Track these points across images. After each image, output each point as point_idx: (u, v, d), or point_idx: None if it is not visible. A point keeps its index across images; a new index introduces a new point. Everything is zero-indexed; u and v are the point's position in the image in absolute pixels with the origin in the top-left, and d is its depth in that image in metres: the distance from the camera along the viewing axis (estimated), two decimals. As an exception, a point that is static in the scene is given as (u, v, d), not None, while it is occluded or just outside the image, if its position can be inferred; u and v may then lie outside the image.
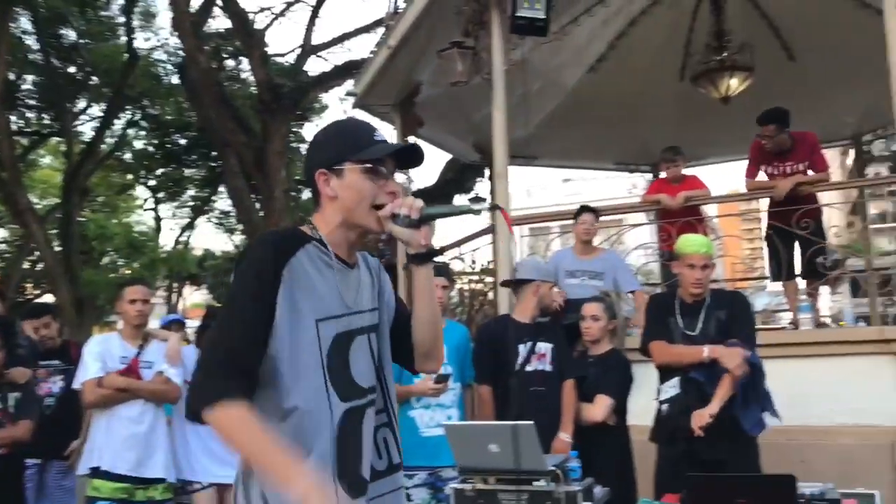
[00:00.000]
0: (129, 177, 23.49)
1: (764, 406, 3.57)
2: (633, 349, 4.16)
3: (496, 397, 4.11)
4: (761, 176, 5.92)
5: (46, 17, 16.52)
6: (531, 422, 3.15)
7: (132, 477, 4.02)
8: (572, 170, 15.11)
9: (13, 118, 17.51)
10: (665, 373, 3.74)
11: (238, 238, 24.96)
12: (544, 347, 4.16)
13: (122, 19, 17.71)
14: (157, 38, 20.38)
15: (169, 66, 18.78)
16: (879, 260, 8.52)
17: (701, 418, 3.41)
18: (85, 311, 17.64)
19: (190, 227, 25.76)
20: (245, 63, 16.84)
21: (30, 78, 18.36)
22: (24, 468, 4.59)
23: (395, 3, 7.05)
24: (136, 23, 18.01)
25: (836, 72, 7.55)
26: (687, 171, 6.51)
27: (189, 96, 15.44)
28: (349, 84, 13.99)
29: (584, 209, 5.48)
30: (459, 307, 6.96)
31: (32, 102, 18.82)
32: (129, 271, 22.63)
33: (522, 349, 4.12)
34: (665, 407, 3.68)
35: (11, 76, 16.57)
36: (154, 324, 4.83)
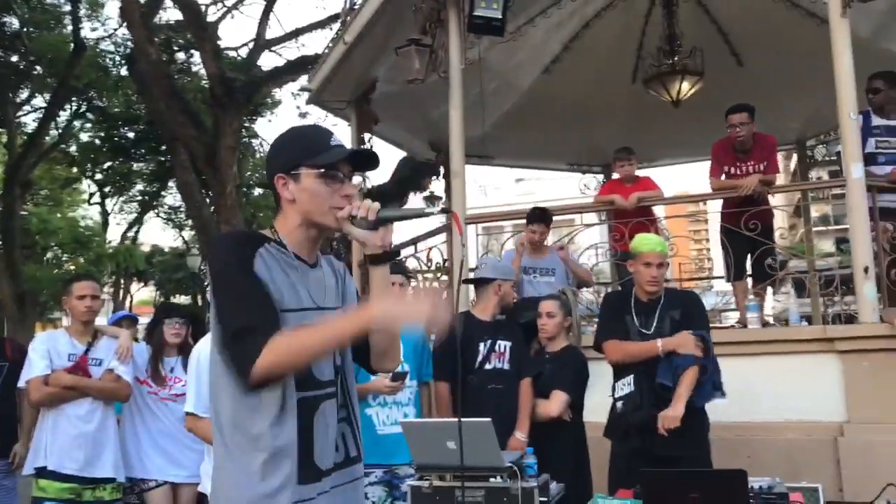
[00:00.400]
0: (75, 170, 22.92)
1: (714, 381, 3.65)
2: (589, 346, 4.22)
3: (452, 394, 4.12)
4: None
5: (-12, 3, 16.03)
6: (489, 419, 3.17)
7: (80, 477, 3.93)
8: (526, 170, 15.20)
9: (-49, 107, 16.94)
10: (619, 370, 3.81)
11: (188, 234, 24.58)
12: (503, 346, 4.19)
13: (67, 8, 17.26)
14: (105, 28, 19.92)
15: (117, 58, 18.39)
16: (821, 261, 8.79)
17: (668, 420, 3.45)
18: (27, 307, 17.15)
19: (138, 222, 25.27)
20: (196, 56, 16.57)
21: (-31, 67, 17.80)
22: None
23: (352, -2, 7.01)
24: (82, 12, 17.59)
25: (782, 78, 7.76)
26: (640, 173, 6.61)
27: (138, 89, 15.16)
28: (303, 80, 13.87)
29: (537, 218, 5.43)
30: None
31: (-28, 92, 18.23)
32: (74, 267, 22.06)
33: (482, 347, 4.14)
34: (619, 404, 3.75)
35: (-50, 64, 16.04)
36: (101, 320, 4.71)
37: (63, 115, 19.37)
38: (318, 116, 18.14)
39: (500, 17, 5.58)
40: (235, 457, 1.76)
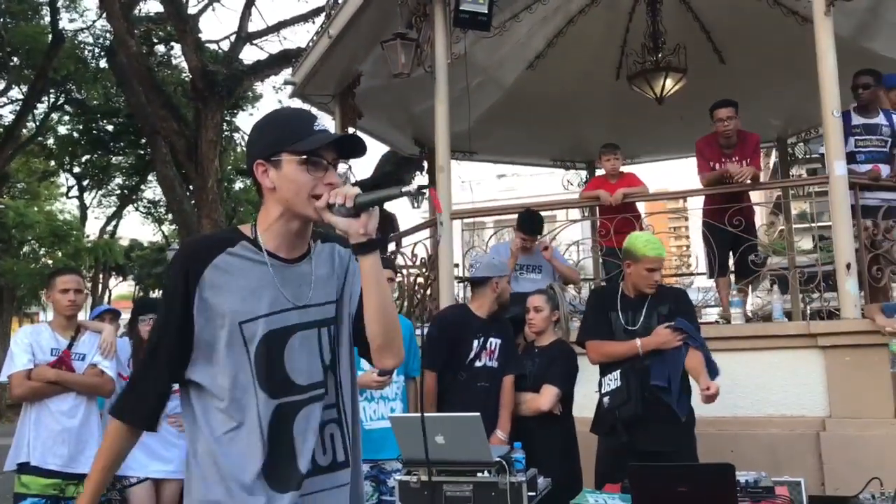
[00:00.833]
0: (52, 163, 22.64)
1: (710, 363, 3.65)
2: (575, 342, 4.24)
3: (440, 389, 4.12)
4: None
5: (-37, -7, 15.78)
6: (477, 413, 3.17)
7: (64, 472, 3.88)
8: (509, 165, 15.21)
9: (-74, 99, 16.66)
10: (606, 366, 3.82)
11: (168, 228, 24.37)
12: (494, 343, 4.19)
13: (45, -2, 17.03)
14: (83, 19, 19.71)
15: (96, 50, 18.15)
16: (801, 258, 8.87)
17: (712, 398, 3.46)
18: (4, 302, 16.93)
19: (117, 216, 25.01)
20: (177, 49, 16.41)
21: (-56, 57, 17.53)
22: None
23: (337, -8, 6.96)
24: (60, 2, 17.34)
25: (764, 76, 7.82)
26: (624, 169, 6.64)
27: (117, 81, 15.01)
28: (285, 73, 13.83)
29: (527, 229, 5.44)
30: (398, 301, 6.95)
31: (-53, 83, 17.97)
32: (52, 261, 21.78)
33: (475, 344, 4.13)
34: (606, 399, 3.76)
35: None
36: (81, 315, 4.65)
37: (41, 108, 19.13)
38: (300, 110, 18.01)
39: (486, 11, 5.58)
40: (196, 464, 1.78)
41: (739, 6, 7.36)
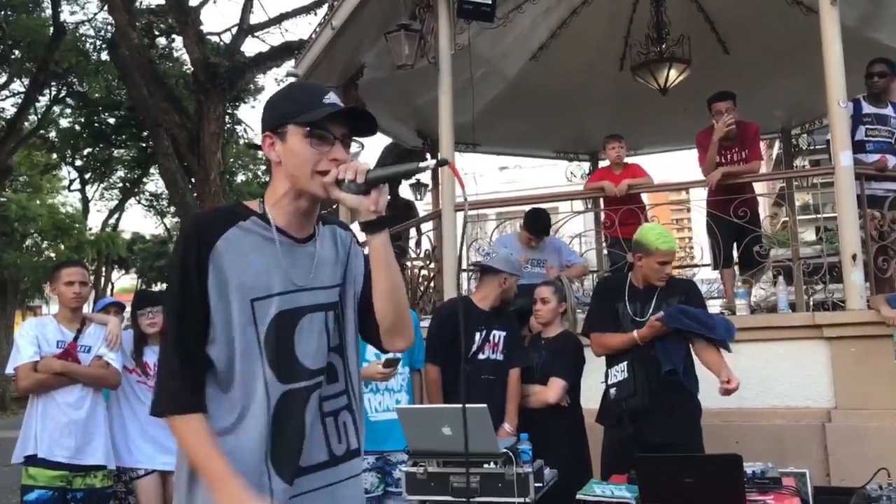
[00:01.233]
0: (54, 156, 22.64)
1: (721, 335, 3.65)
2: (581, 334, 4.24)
3: (445, 381, 4.11)
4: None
5: (-36, -15, 15.75)
6: (485, 405, 3.17)
7: (70, 464, 3.89)
8: (512, 157, 15.20)
9: (-72, 92, 16.65)
10: (612, 357, 3.82)
11: (170, 221, 24.39)
12: (498, 335, 4.16)
13: (46, -9, 16.99)
14: (85, 11, 19.59)
15: (97, 42, 18.12)
16: (805, 249, 8.86)
17: (732, 392, 3.47)
18: (7, 295, 16.95)
19: (119, 209, 25.02)
20: (179, 41, 16.39)
21: (-55, 49, 17.51)
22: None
23: (340, -17, 6.93)
24: (62, -5, 17.28)
25: (768, 66, 7.79)
26: (628, 160, 6.63)
27: (119, 74, 14.96)
28: (287, 65, 13.79)
29: (535, 230, 5.48)
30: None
31: (-52, 76, 17.95)
32: (55, 254, 21.81)
33: (478, 336, 4.11)
34: (613, 390, 3.75)
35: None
36: (85, 308, 4.65)
37: (42, 101, 19.11)
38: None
39: (489, 2, 5.57)
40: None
41: (745, -4, 7.33)
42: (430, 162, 1.67)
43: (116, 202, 24.81)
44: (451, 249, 5.82)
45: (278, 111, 1.72)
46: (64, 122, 20.89)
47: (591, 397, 4.12)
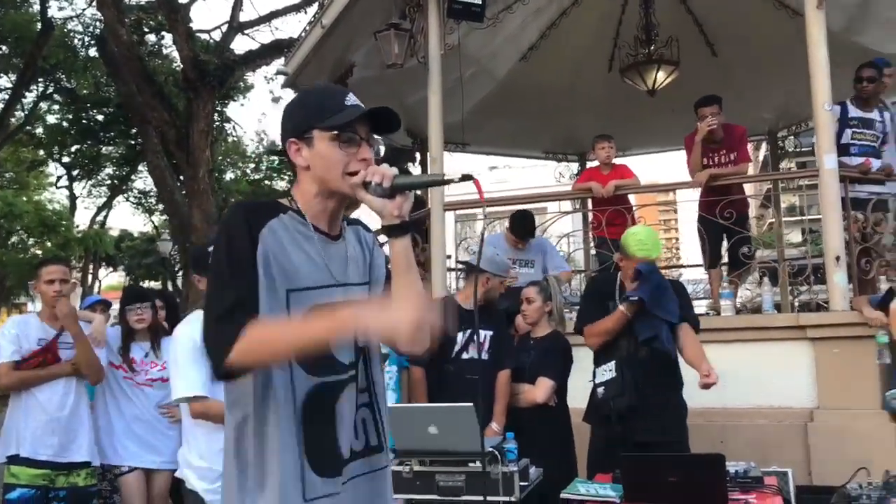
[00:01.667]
0: (41, 153, 22.48)
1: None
2: (572, 333, 4.26)
3: (429, 381, 4.11)
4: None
5: (-50, -20, 15.62)
6: (471, 404, 3.19)
7: (53, 462, 3.88)
8: (502, 157, 15.20)
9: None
10: (600, 356, 3.84)
11: (158, 219, 24.28)
12: (483, 335, 4.17)
13: (34, -14, 16.87)
14: (73, 7, 19.54)
15: (86, 38, 18.01)
16: (791, 251, 8.93)
17: (710, 386, 3.51)
18: (-7, 292, 16.84)
19: (107, 206, 24.89)
20: (168, 38, 16.32)
21: (-68, 45, 17.36)
22: None
23: (330, -19, 6.93)
24: (50, -10, 17.19)
25: (755, 69, 7.85)
26: (616, 161, 6.67)
27: (108, 70, 14.88)
28: (277, 63, 13.75)
29: (519, 233, 5.52)
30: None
31: (-66, 71, 17.80)
32: (41, 251, 21.67)
33: (461, 336, 4.11)
34: (601, 390, 3.78)
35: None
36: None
37: (30, 97, 18.97)
38: (292, 101, 17.95)
39: (479, 2, 5.59)
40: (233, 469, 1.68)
41: (732, -1, 7.39)
42: (456, 176, 1.67)
43: (104, 199, 24.66)
44: (439, 249, 5.83)
45: (301, 117, 1.74)
46: (51, 119, 20.75)
47: (577, 397, 4.14)
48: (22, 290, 22.09)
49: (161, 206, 20.07)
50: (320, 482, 1.67)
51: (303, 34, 7.18)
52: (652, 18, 7.55)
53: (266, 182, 22.81)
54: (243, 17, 15.59)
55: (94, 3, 13.74)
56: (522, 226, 5.53)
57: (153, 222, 25.44)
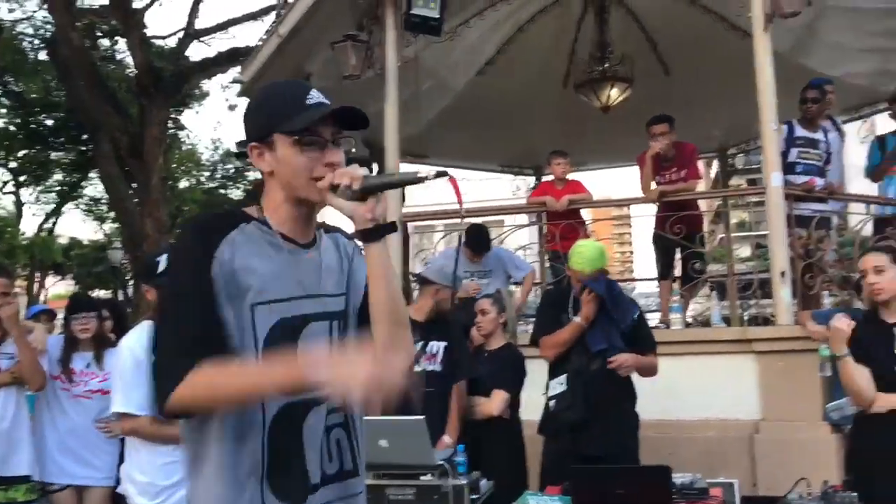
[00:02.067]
0: (-13, 158, 21.86)
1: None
2: (525, 344, 4.29)
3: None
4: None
5: None
6: (422, 416, 3.19)
7: (-7, 477, 3.76)
8: (459, 169, 15.27)
9: None
10: (554, 369, 3.87)
11: (109, 226, 23.79)
12: (436, 347, 4.15)
13: (-19, -13, 16.47)
14: (23, 9, 19.05)
15: (36, 41, 17.60)
16: (740, 265, 9.14)
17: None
18: (-67, 301, 16.24)
19: (56, 213, 24.29)
20: (122, 44, 16.04)
21: None
22: None
23: (288, -9, 6.92)
24: (-1, -8, 16.78)
25: (707, 88, 8.02)
26: (570, 176, 6.76)
27: (59, 75, 14.56)
28: (234, 71, 13.65)
29: (475, 248, 5.55)
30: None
31: None
32: (-15, 259, 21.04)
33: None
34: (552, 403, 3.80)
35: None
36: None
37: (-25, 100, 18.47)
38: (248, 109, 17.82)
39: (437, 16, 5.61)
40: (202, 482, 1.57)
41: (685, 19, 7.55)
42: (431, 172, 1.57)
43: (53, 206, 24.08)
44: (395, 261, 5.83)
45: (261, 120, 1.62)
46: (-2, 123, 20.22)
47: (532, 409, 4.16)
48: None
49: (112, 214, 19.69)
50: None
51: (259, 43, 7.15)
52: (606, 36, 7.68)
53: (221, 190, 22.54)
54: (200, 24, 15.41)
55: (45, 6, 13.44)
56: (478, 241, 5.57)
57: (104, 230, 24.92)
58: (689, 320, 7.67)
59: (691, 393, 4.92)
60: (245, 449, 1.54)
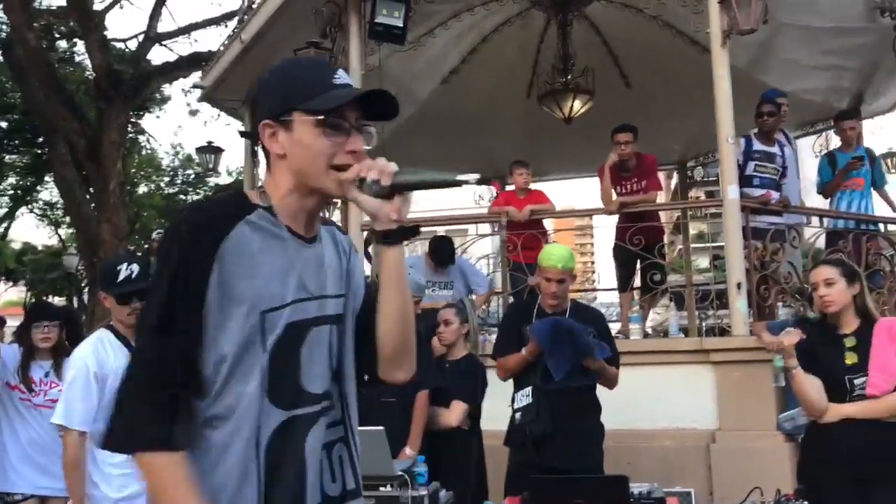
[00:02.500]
0: (-63, 159, 21.27)
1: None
2: (487, 354, 4.29)
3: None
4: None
5: None
6: (381, 427, 3.17)
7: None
8: (422, 178, 15.27)
9: None
10: (518, 381, 3.87)
11: (65, 232, 23.31)
12: None
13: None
14: (-23, 9, 18.62)
15: (-10, 42, 17.19)
16: (698, 277, 9.28)
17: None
18: None
19: (8, 217, 23.71)
20: (80, 45, 15.75)
21: None
22: None
23: (251, -4, 6.88)
24: (-48, -9, 16.35)
25: (667, 101, 8.16)
26: (532, 186, 6.81)
27: (13, 76, 14.25)
28: (195, 76, 13.47)
29: (439, 261, 5.57)
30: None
31: None
32: (-66, 264, 20.47)
33: None
34: (517, 415, 3.80)
35: None
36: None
37: (-74, 101, 17.97)
38: (210, 114, 17.69)
39: (401, 25, 5.62)
40: None
41: (646, 34, 7.66)
42: (472, 177, 1.47)
43: (6, 210, 23.51)
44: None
45: (280, 95, 1.45)
46: (-51, 124, 19.71)
47: (496, 419, 4.14)
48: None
49: (68, 219, 19.29)
50: None
51: (222, 48, 7.09)
52: (569, 49, 7.76)
53: (181, 196, 22.23)
54: (161, 27, 15.21)
55: (0, 6, 13.15)
56: (440, 254, 5.60)
57: (59, 235, 24.40)
58: (649, 331, 7.75)
59: (650, 402, 4.98)
60: (235, 469, 1.39)
